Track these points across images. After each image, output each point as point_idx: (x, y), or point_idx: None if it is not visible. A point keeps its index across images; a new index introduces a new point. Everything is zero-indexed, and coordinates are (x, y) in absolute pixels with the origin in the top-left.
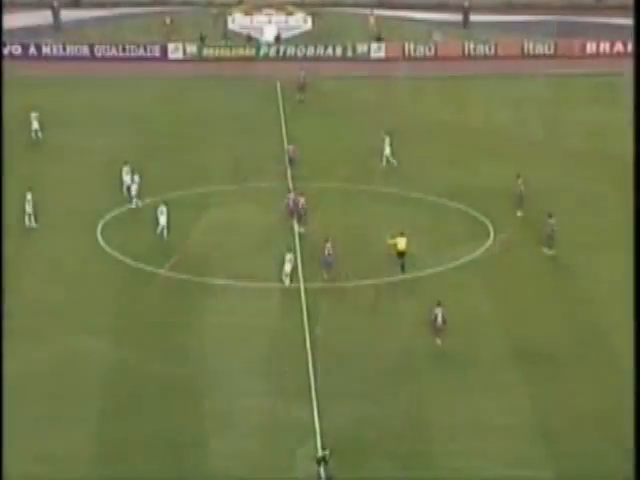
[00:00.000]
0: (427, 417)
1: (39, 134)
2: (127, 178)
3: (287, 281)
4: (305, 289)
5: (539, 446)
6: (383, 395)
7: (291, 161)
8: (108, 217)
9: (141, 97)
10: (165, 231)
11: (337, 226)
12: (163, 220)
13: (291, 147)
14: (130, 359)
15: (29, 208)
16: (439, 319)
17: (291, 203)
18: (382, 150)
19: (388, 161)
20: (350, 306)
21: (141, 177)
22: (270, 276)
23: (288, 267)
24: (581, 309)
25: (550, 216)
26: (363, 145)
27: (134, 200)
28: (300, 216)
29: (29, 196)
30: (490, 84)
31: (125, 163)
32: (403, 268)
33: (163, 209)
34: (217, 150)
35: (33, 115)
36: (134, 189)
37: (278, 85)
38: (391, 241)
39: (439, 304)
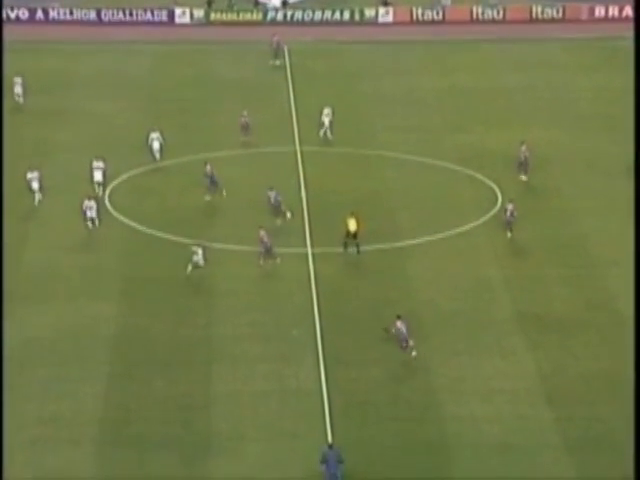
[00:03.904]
0: (434, 381)
1: (21, 99)
2: (156, 145)
3: (189, 269)
4: (312, 254)
5: (545, 411)
6: (391, 360)
7: (245, 128)
8: (116, 182)
9: (148, 62)
10: (95, 223)
11: (344, 191)
12: (91, 213)
13: (245, 113)
14: (138, 323)
15: (35, 185)
16: (404, 332)
17: (272, 200)
18: (321, 122)
19: (325, 134)
20: (358, 271)
21: (105, 162)
22: (278, 241)
23: (195, 258)
24: (588, 273)
25: (510, 201)
26: (371, 110)
27: (99, 190)
28: (279, 211)
29: (32, 174)
30: (498, 48)
31: (153, 129)
32: (358, 248)
33: (91, 204)
34: (223, 115)
35: (16, 80)
36: (99, 175)
37: (285, 50)
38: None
39: (399, 317)
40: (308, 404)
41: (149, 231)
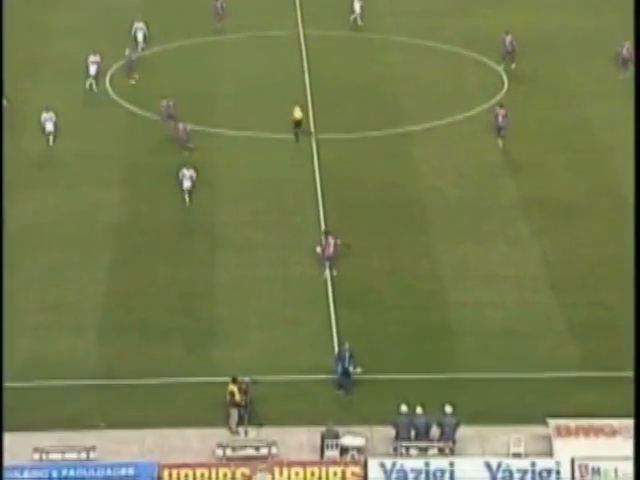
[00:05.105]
0: (439, 268)
1: None
2: (140, 35)
3: (187, 198)
4: (316, 140)
5: (549, 296)
6: (395, 247)
7: (218, 14)
8: (117, 66)
9: None
10: (52, 138)
11: (351, 74)
12: (50, 126)
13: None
14: (140, 210)
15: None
16: (331, 248)
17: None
18: (352, 8)
19: (355, 20)
20: (363, 157)
21: (102, 56)
22: (280, 127)
23: (188, 183)
24: (592, 158)
25: (501, 106)
26: None
27: (90, 82)
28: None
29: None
30: None
31: (137, 19)
32: (299, 136)
33: (49, 115)
34: None
35: None
36: (94, 69)
37: None
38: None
39: (328, 232)
40: (312, 291)
41: (148, 115)
